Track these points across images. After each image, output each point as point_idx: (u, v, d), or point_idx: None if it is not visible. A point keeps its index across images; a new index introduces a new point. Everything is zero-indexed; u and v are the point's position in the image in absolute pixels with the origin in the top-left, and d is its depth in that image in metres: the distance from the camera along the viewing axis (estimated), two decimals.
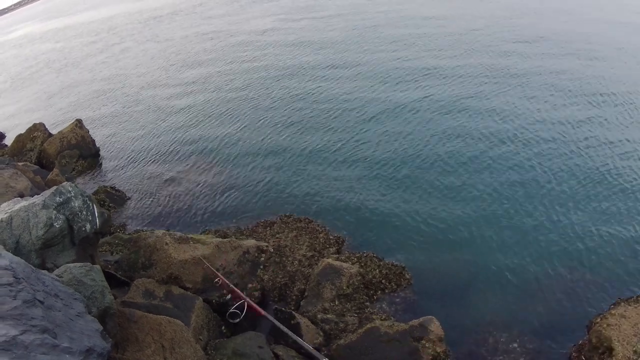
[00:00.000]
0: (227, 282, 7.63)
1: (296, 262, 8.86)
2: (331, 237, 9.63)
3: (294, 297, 8.22)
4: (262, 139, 14.97)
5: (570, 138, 12.37)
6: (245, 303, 7.32)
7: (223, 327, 7.65)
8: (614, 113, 13.53)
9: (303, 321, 7.24)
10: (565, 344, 6.93)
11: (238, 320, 7.42)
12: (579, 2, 27.68)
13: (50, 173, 13.27)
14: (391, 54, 20.91)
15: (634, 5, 26.23)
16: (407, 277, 8.46)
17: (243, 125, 16.29)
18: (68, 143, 15.92)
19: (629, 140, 12.06)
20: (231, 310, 7.44)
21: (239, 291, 7.46)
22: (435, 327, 6.74)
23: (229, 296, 7.71)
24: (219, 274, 7.80)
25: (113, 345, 5.12)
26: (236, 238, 9.20)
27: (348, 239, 9.76)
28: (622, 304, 6.71)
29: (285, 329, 4.15)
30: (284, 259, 8.83)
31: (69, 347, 3.82)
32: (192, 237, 8.84)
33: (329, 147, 13.66)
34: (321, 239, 9.54)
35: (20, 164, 12.82)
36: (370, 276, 8.29)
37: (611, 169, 10.95)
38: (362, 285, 8.08)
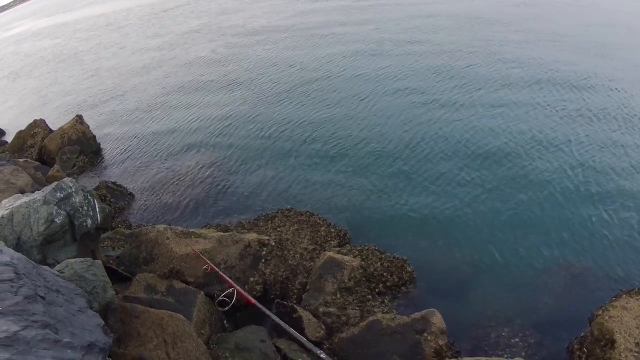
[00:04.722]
0: (215, 268, 7.60)
1: (298, 255, 8.86)
2: (332, 230, 9.63)
3: (296, 290, 8.22)
4: (264, 134, 14.95)
5: (571, 132, 12.33)
6: (235, 291, 7.27)
7: (225, 321, 7.67)
8: (620, 107, 13.47)
9: (305, 315, 7.25)
10: (567, 337, 6.92)
11: (227, 308, 7.40)
12: None
13: (51, 169, 13.27)
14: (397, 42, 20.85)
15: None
16: (409, 270, 8.45)
17: (244, 121, 16.26)
18: (69, 139, 15.91)
19: (632, 132, 12.01)
20: (220, 298, 7.42)
21: (228, 278, 7.43)
22: (437, 320, 6.73)
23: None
24: (207, 261, 7.78)
25: (115, 340, 5.14)
26: (237, 232, 9.20)
27: (350, 232, 9.75)
28: (624, 295, 6.68)
29: (276, 319, 4.10)
30: (285, 252, 8.83)
31: (70, 342, 3.82)
32: (193, 232, 8.84)
33: (330, 141, 13.63)
34: (322, 232, 9.53)
35: (21, 160, 12.81)
36: (372, 269, 8.28)
37: (613, 160, 10.91)
38: (363, 279, 8.08)
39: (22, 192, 8.70)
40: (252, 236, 8.79)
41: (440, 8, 26.70)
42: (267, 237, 8.92)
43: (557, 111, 13.34)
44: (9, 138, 19.59)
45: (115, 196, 12.71)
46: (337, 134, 13.90)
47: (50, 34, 52.18)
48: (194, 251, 8.07)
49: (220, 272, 7.59)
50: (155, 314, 6.13)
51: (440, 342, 6.54)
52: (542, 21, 22.69)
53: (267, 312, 4.65)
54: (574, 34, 20.28)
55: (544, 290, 7.88)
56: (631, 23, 22.00)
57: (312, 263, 8.65)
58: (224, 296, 7.47)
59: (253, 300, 6.16)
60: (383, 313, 7.29)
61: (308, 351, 6.62)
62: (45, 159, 15.80)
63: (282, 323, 3.95)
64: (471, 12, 25.19)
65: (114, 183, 13.41)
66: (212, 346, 6.67)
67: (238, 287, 6.88)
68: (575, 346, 6.61)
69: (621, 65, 16.42)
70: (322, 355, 2.81)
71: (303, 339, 3.28)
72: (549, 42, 19.25)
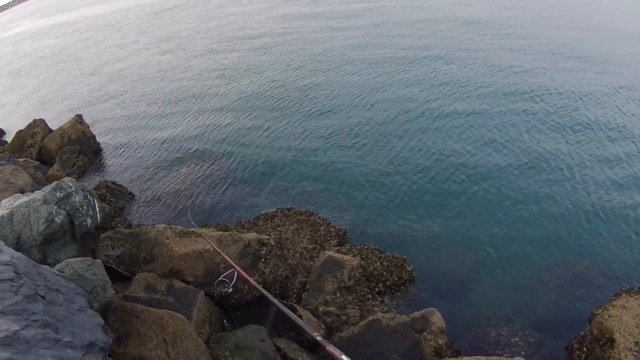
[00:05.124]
0: (218, 250, 7.59)
1: (297, 254, 8.86)
2: (332, 230, 9.63)
3: (296, 289, 8.22)
4: (263, 133, 14.95)
5: (569, 133, 12.34)
6: (235, 272, 7.23)
7: (225, 321, 7.67)
8: (618, 109, 13.48)
9: (305, 314, 7.25)
10: (566, 336, 6.93)
11: (227, 288, 7.35)
12: None
13: (51, 169, 13.27)
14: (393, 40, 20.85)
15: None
16: (409, 269, 8.45)
17: (244, 120, 16.26)
18: (69, 139, 15.91)
19: (630, 131, 12.02)
20: (220, 279, 7.36)
21: (229, 259, 7.40)
22: (437, 319, 6.74)
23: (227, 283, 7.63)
24: (211, 243, 7.77)
25: (115, 339, 5.13)
26: (237, 231, 9.20)
27: (349, 231, 9.75)
28: (624, 295, 6.69)
29: (274, 300, 4.06)
30: (285, 251, 8.83)
31: (70, 341, 3.81)
32: (193, 231, 8.84)
33: (329, 141, 13.63)
34: (322, 232, 9.54)
35: (20, 160, 12.81)
36: (372, 268, 8.29)
37: (611, 159, 10.92)
38: (363, 278, 8.08)
39: (22, 191, 8.70)
40: (251, 235, 8.79)
41: (436, 11, 26.71)
42: (267, 237, 8.92)
43: (554, 113, 13.34)
44: (8, 138, 19.59)
45: (115, 196, 12.72)
46: (336, 134, 13.90)
47: (50, 33, 52.15)
48: (199, 233, 8.05)
49: (222, 254, 7.59)
50: (155, 313, 6.12)
51: (440, 342, 6.55)
52: (542, 24, 22.70)
53: (265, 292, 4.63)
54: (574, 38, 20.27)
55: (544, 289, 7.88)
56: (631, 24, 22.00)
57: (311, 262, 8.65)
58: (224, 277, 7.41)
59: (253, 282, 6.18)
60: (383, 312, 7.29)
61: (307, 342, 6.61)
62: (45, 159, 15.80)
63: (279, 304, 3.94)
64: (469, 15, 25.19)
65: (113, 183, 13.41)
66: (212, 345, 6.67)
67: (239, 268, 6.86)
68: (575, 345, 6.62)
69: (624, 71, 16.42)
70: (318, 338, 2.84)
71: (299, 321, 3.29)
72: (549, 47, 19.26)
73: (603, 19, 22.94)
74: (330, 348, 2.44)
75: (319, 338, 2.88)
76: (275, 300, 4.46)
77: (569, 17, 23.20)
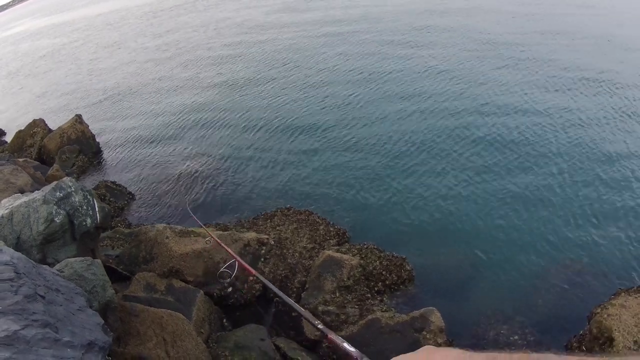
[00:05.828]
0: (218, 241, 7.61)
1: (297, 254, 8.87)
2: (332, 229, 9.63)
3: (295, 289, 8.24)
4: (263, 133, 14.96)
5: (570, 132, 12.34)
6: (236, 262, 7.24)
7: (225, 320, 7.69)
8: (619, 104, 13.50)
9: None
10: (565, 335, 6.94)
11: (229, 280, 7.34)
12: None
13: (51, 169, 13.26)
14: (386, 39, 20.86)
15: None
16: (408, 268, 8.46)
17: (243, 120, 16.27)
18: (68, 138, 15.90)
19: (627, 131, 12.04)
20: (222, 270, 7.37)
21: (229, 249, 7.42)
22: (436, 318, 6.75)
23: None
24: (210, 234, 7.77)
25: (114, 338, 5.15)
26: (237, 231, 9.21)
27: (349, 230, 9.76)
28: (623, 294, 6.71)
29: (275, 289, 4.07)
30: (284, 251, 8.84)
31: (70, 341, 3.83)
32: (192, 231, 8.85)
33: (329, 139, 13.64)
34: (322, 231, 9.54)
35: (20, 160, 12.79)
36: (371, 268, 8.29)
37: (612, 156, 10.93)
38: (362, 277, 8.09)
39: (22, 191, 8.70)
40: (251, 235, 8.80)
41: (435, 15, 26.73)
42: (266, 236, 8.93)
43: (549, 114, 13.36)
44: (8, 138, 19.57)
45: (115, 195, 12.72)
46: (336, 133, 13.91)
47: (49, 33, 52.13)
48: (200, 225, 8.04)
49: (222, 244, 7.59)
50: (155, 312, 6.14)
51: (439, 340, 6.56)
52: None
53: (267, 282, 4.58)
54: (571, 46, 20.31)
55: (543, 288, 7.89)
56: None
57: (311, 262, 8.66)
58: (225, 268, 7.41)
59: (253, 272, 6.21)
60: (382, 312, 7.30)
61: (307, 341, 6.61)
62: (44, 159, 15.79)
63: (280, 294, 3.93)
64: (465, 22, 25.20)
65: (113, 182, 13.41)
66: (211, 345, 6.68)
67: (239, 258, 6.90)
68: (574, 344, 6.63)
69: None
70: (320, 326, 2.85)
71: (300, 309, 3.27)
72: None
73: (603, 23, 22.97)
74: (332, 336, 2.45)
75: (320, 326, 2.89)
76: (275, 289, 4.44)
77: (567, 24, 23.22)
